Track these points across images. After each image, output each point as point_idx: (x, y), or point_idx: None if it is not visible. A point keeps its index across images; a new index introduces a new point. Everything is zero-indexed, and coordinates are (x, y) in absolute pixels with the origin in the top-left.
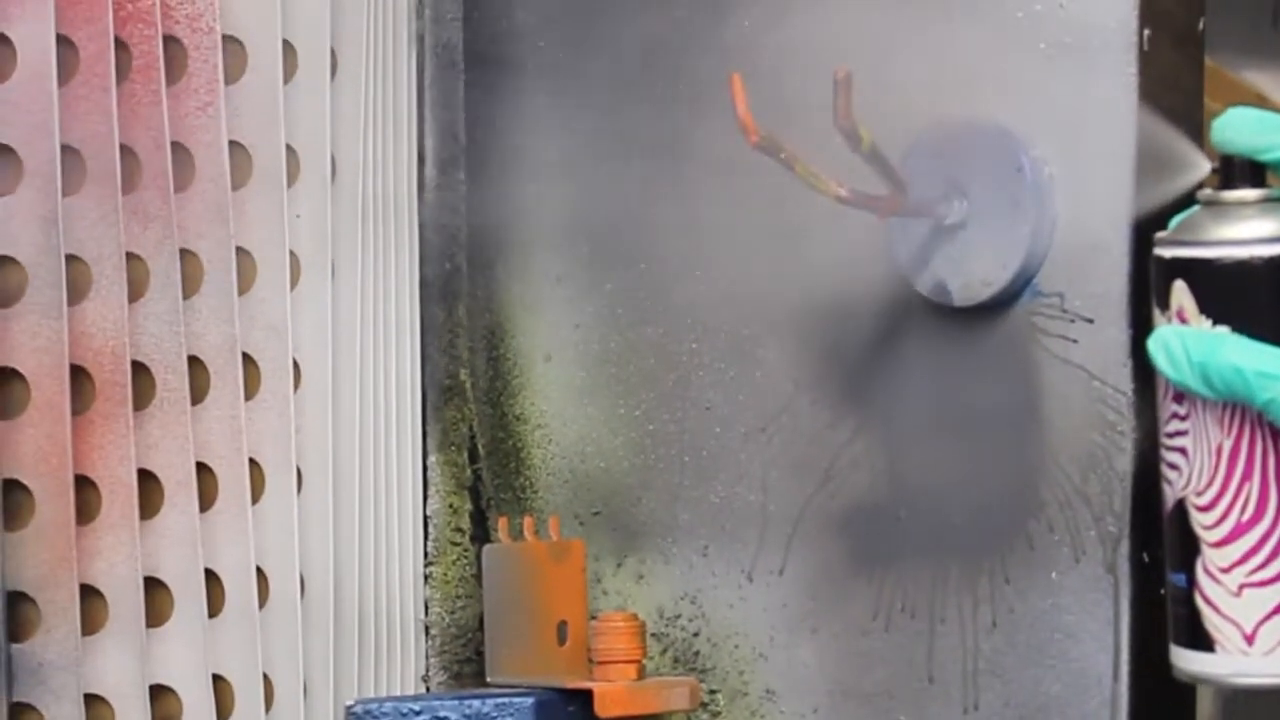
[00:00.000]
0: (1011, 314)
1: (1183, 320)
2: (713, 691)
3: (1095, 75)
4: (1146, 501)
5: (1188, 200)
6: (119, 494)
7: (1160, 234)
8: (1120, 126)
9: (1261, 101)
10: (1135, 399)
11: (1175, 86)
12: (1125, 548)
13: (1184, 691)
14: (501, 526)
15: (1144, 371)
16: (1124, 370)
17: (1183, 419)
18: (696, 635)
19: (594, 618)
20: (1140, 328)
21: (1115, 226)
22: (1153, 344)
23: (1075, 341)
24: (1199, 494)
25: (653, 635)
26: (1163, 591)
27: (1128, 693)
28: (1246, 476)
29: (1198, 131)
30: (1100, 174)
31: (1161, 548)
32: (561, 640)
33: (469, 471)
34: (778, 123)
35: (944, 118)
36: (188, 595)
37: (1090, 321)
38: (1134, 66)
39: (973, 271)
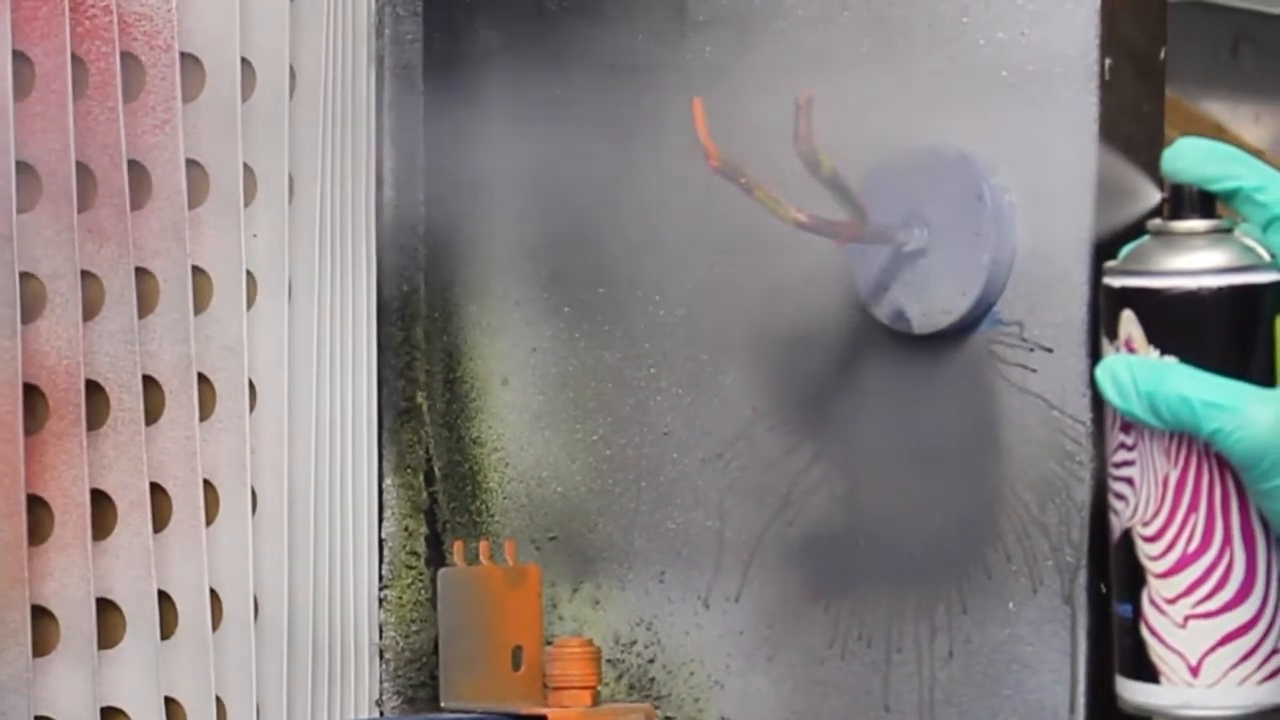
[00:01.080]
0: (971, 342)
1: (1131, 350)
2: (668, 719)
3: (1057, 104)
4: (1104, 532)
5: (1141, 229)
6: (72, 514)
7: (1109, 263)
8: (1081, 155)
9: (1220, 132)
10: (1094, 429)
11: (1136, 115)
12: (1083, 578)
13: None
14: (457, 550)
15: (1103, 401)
16: (1083, 400)
17: (1130, 449)
18: (652, 662)
19: (549, 643)
20: (1100, 357)
21: (1075, 255)
22: (1100, 373)
23: (1034, 370)
24: (1145, 524)
25: (608, 661)
26: None
27: None
28: (1193, 508)
29: (1156, 160)
30: (1061, 202)
31: None
32: (516, 666)
33: (425, 495)
34: (738, 148)
35: (905, 144)
36: (140, 617)
37: (1049, 351)
38: (1095, 95)
39: (932, 299)
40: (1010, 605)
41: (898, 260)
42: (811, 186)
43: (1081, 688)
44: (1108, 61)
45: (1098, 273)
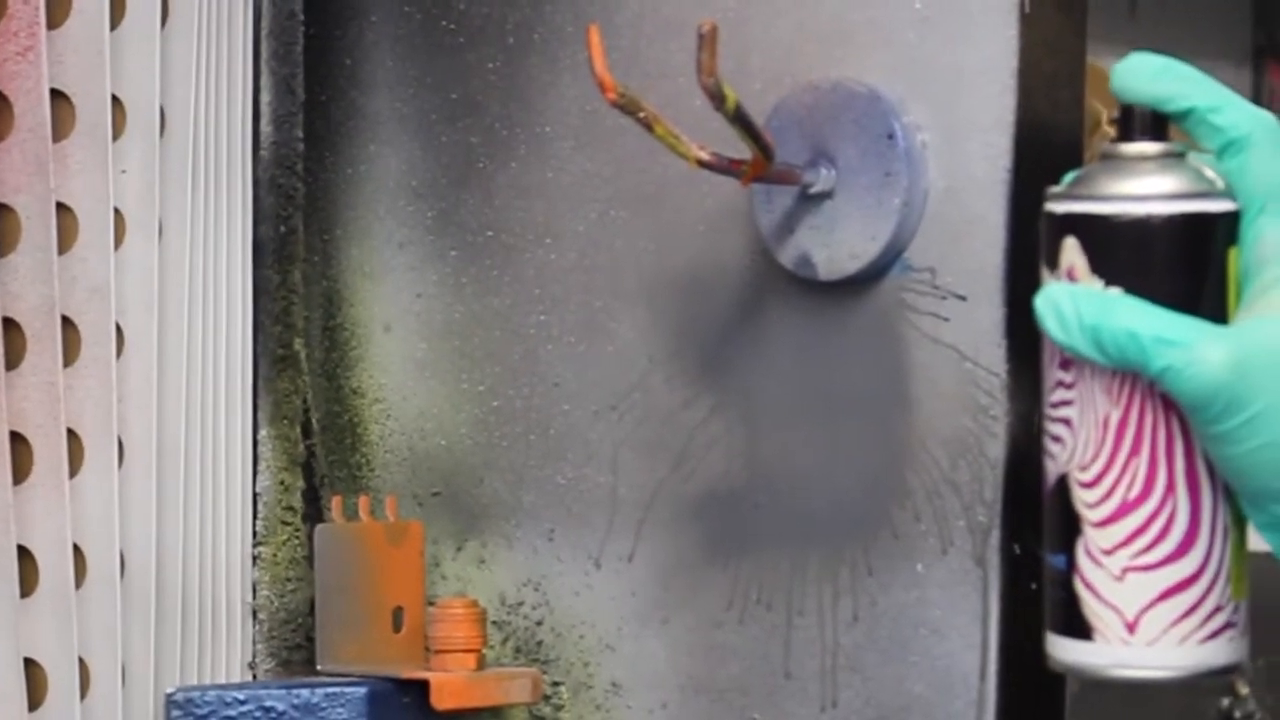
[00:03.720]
0: (880, 290)
1: (1073, 280)
2: (556, 684)
3: (974, 38)
4: (1019, 490)
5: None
6: None
7: (1052, 188)
8: (999, 92)
9: None
10: (1009, 381)
11: (1058, 50)
12: (996, 539)
13: (1056, 693)
14: (335, 506)
15: (1019, 353)
16: (998, 351)
17: (1069, 387)
18: (540, 624)
19: (432, 604)
20: (1016, 306)
21: (991, 198)
22: (1041, 303)
23: (946, 320)
24: (1083, 469)
25: (493, 623)
26: (1034, 586)
27: (995, 693)
28: (1134, 452)
29: (1079, 98)
30: (977, 142)
31: (1034, 539)
32: (397, 627)
33: (302, 447)
34: (637, 82)
35: (812, 80)
36: None
37: (963, 299)
38: (1015, 29)
39: (839, 244)
40: (919, 567)
41: (803, 202)
42: (714, 124)
43: (993, 654)
44: None
45: (1015, 217)
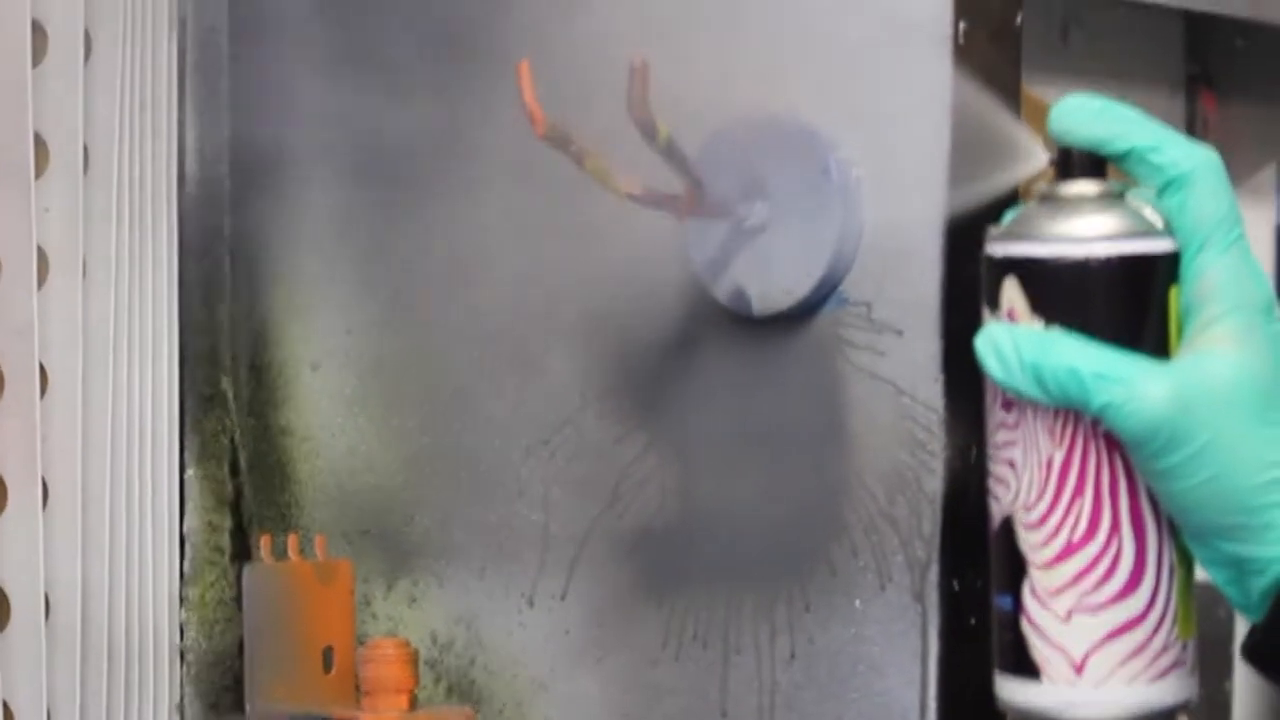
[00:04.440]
0: (815, 324)
1: (1014, 321)
2: None
3: (908, 70)
4: (957, 525)
5: (1008, 201)
6: None
7: (993, 229)
8: (933, 124)
9: None
10: (946, 416)
11: (991, 82)
12: (934, 575)
13: None
14: (264, 545)
15: (956, 387)
16: (934, 385)
17: (1011, 428)
18: (472, 663)
19: (362, 644)
20: (953, 339)
21: (927, 231)
22: (981, 342)
23: (883, 354)
24: (1027, 510)
25: (425, 663)
26: (973, 622)
27: None
28: (1078, 492)
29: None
30: (912, 175)
31: (973, 575)
32: (327, 667)
33: (230, 486)
34: (569, 116)
35: (746, 113)
36: None
37: (899, 333)
38: (948, 60)
39: (774, 278)
40: (856, 603)
41: (737, 236)
42: (646, 158)
43: (932, 691)
44: (962, 25)
45: (951, 250)
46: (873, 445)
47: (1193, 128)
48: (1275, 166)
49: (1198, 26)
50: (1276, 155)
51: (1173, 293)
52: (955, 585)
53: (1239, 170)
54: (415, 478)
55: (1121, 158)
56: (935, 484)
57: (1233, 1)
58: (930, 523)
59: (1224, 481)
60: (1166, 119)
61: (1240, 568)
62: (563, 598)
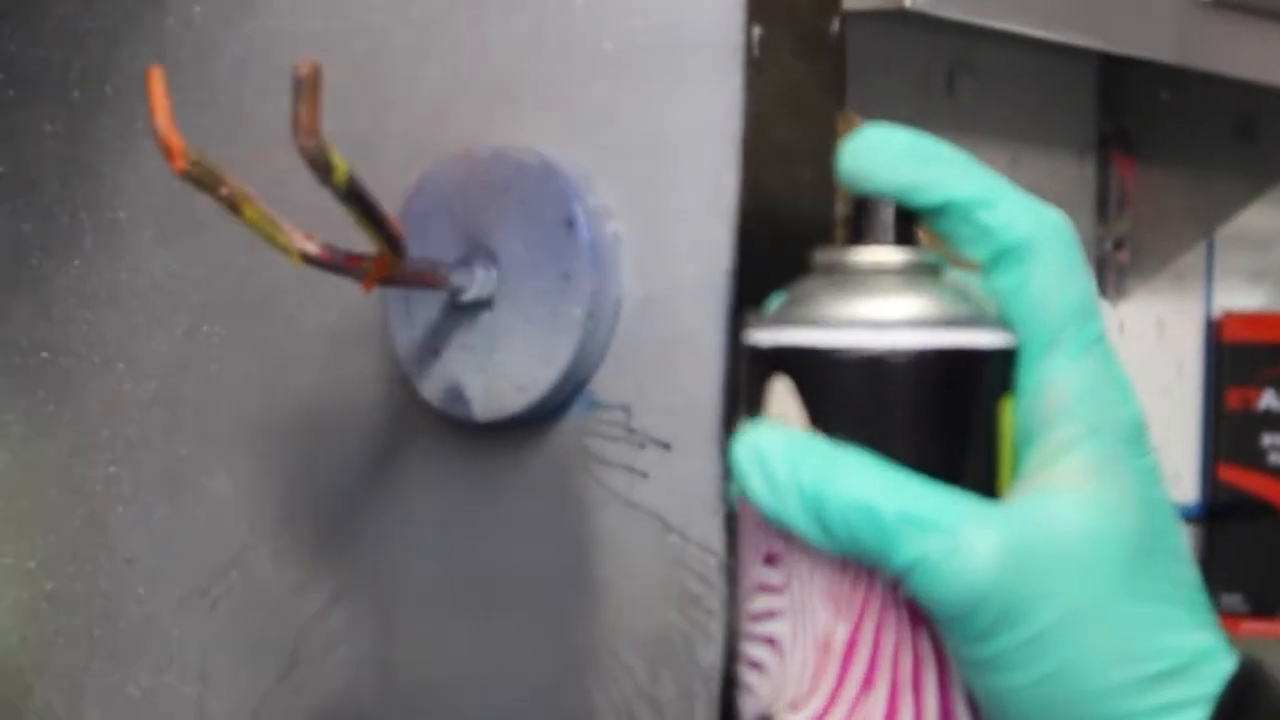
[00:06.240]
0: (556, 433)
1: None
2: None
3: (683, 92)
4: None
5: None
6: None
7: (756, 312)
8: (717, 166)
9: None
10: (729, 561)
11: (798, 109)
12: None
13: None
14: None
15: (739, 512)
16: (713, 520)
17: (777, 592)
18: None
19: None
20: None
21: (705, 310)
22: (741, 451)
23: (645, 476)
24: (794, 709)
25: None
26: None
27: None
28: (867, 686)
29: (828, 176)
30: (687, 234)
31: None
32: None
33: None
34: (240, 150)
35: (467, 147)
36: None
37: (666, 447)
38: (739, 80)
39: (501, 371)
40: None
41: (453, 314)
42: (334, 207)
43: None
44: (757, 31)
45: (736, 336)
46: (631, 600)
47: (1105, 193)
48: (1205, 247)
49: (1114, 74)
50: (1207, 232)
51: (1005, 405)
52: None
53: (1163, 249)
54: (35, 636)
55: (937, 214)
56: (713, 654)
57: (1156, 43)
58: (706, 707)
59: (1072, 679)
60: (1075, 188)
61: None
62: None
